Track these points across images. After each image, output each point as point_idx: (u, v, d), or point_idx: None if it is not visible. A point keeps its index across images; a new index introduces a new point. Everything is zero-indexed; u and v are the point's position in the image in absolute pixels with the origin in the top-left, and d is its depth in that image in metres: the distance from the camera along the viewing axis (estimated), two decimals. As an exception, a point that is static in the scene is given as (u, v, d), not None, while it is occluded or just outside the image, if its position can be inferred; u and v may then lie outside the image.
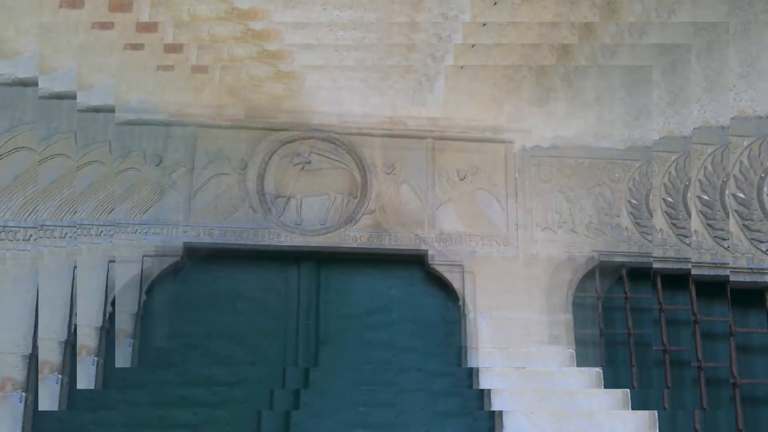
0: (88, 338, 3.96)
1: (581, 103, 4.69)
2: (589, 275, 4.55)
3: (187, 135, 4.46)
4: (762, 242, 4.04)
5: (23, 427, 3.80)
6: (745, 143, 4.14)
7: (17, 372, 3.83)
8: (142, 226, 4.30)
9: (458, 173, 4.62)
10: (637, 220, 4.54)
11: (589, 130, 4.67)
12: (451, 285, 4.51)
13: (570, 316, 4.42)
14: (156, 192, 4.37)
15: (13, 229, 3.97)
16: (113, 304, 4.14)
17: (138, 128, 4.39)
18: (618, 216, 4.57)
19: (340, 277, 4.58)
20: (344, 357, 4.45)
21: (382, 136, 4.60)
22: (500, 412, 4.10)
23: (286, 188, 4.50)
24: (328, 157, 4.57)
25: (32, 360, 3.86)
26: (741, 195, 4.02)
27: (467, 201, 4.58)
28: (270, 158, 4.52)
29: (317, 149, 4.58)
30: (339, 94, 4.58)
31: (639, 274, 4.57)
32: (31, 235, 3.96)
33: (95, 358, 4.01)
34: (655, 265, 4.30)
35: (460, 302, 4.47)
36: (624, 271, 4.56)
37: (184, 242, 4.34)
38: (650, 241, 4.49)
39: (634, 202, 4.56)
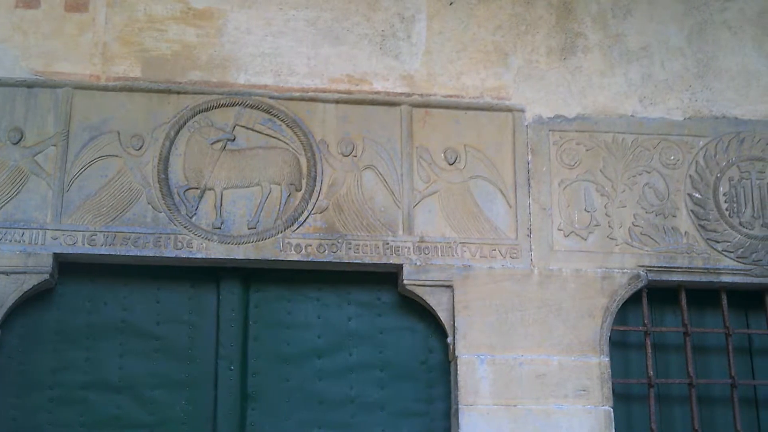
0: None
1: (622, 54, 4.78)
2: (632, 300, 4.52)
3: (59, 101, 4.41)
4: (718, 242, 4.52)
5: None
6: (701, 143, 4.65)
7: None
8: (-7, 231, 4.32)
9: (446, 155, 4.54)
10: (702, 222, 4.57)
11: (634, 93, 4.73)
12: (436, 314, 4.41)
13: (606, 359, 4.35)
14: (14, 181, 4.30)
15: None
16: (2, 326, 4.22)
17: (-13, 90, 4.49)
18: (674, 216, 4.58)
19: (277, 304, 4.49)
20: (282, 420, 4.37)
21: (338, 102, 4.57)
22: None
23: (201, 176, 4.41)
24: (259, 132, 4.49)
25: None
26: (697, 195, 4.56)
27: (458, 195, 4.51)
28: (177, 133, 4.43)
29: (244, 121, 4.49)
30: (276, 42, 4.59)
31: (704, 297, 4.62)
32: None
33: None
34: (680, 278, 4.54)
35: (449, 339, 4.38)
36: (683, 295, 4.55)
37: (55, 253, 4.24)
38: (721, 252, 4.54)
39: (697, 196, 4.61)
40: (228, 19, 4.53)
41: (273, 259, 4.31)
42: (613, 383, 4.30)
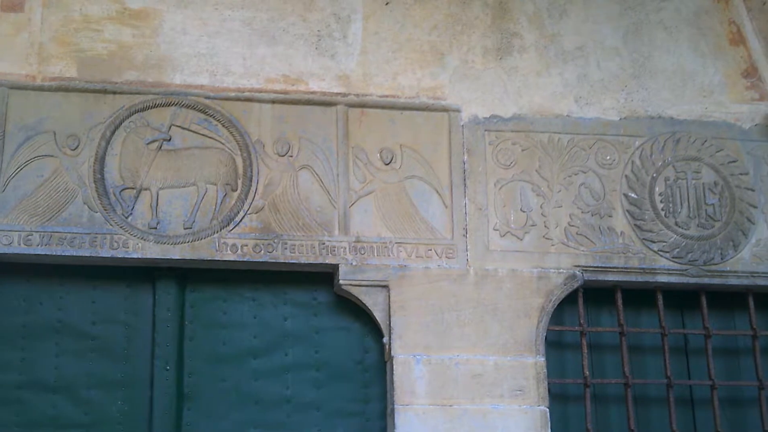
0: None
1: (558, 54, 4.82)
2: (568, 300, 4.56)
3: (-7, 100, 4.43)
4: (654, 242, 4.56)
5: None
6: (637, 143, 4.68)
7: None
8: (-74, 231, 4.27)
9: (382, 155, 4.58)
10: (638, 222, 4.61)
11: (569, 93, 4.77)
12: (372, 314, 4.44)
13: (541, 359, 4.39)
14: (-52, 182, 4.32)
15: None
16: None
17: None
18: (610, 216, 4.62)
19: (213, 304, 4.51)
20: (218, 420, 4.38)
21: (273, 102, 4.58)
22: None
23: (137, 176, 4.43)
24: (195, 133, 4.51)
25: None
26: (633, 195, 4.60)
27: (394, 194, 4.54)
28: (113, 133, 4.45)
29: (180, 121, 4.51)
30: (211, 42, 4.60)
31: (640, 297, 4.64)
32: None
33: None
34: (616, 278, 4.56)
35: (385, 339, 4.41)
36: (619, 295, 4.59)
37: (-10, 253, 4.26)
38: (657, 252, 4.58)
39: (633, 196, 4.65)
40: (164, 19, 4.52)
41: (209, 259, 4.33)
42: (549, 383, 4.35)
